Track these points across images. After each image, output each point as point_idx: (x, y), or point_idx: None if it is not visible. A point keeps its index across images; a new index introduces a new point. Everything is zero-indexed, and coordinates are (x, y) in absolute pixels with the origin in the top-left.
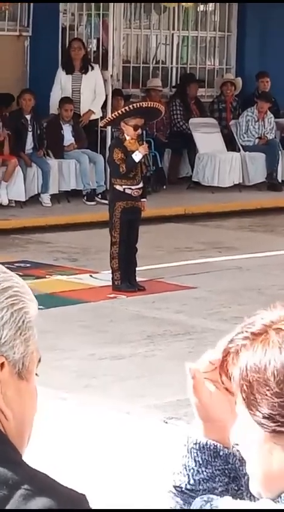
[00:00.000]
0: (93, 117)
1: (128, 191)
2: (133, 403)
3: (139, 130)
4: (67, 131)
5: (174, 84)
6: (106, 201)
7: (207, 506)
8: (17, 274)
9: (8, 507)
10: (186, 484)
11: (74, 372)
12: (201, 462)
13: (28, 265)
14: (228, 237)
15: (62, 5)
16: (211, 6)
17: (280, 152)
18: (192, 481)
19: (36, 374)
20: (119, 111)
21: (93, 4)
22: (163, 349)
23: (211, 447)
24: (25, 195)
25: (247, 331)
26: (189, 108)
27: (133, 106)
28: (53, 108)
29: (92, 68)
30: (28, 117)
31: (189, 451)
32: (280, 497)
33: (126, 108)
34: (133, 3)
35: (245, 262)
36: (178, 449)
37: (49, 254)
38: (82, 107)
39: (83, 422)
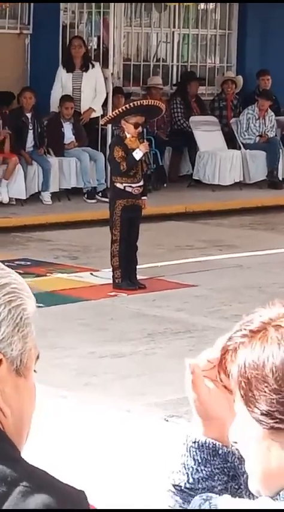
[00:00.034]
0: (93, 115)
1: (129, 189)
2: (133, 401)
3: (140, 128)
4: (67, 129)
5: (174, 82)
6: (107, 199)
7: (206, 505)
8: (17, 272)
9: (6, 504)
10: (185, 483)
11: (74, 370)
12: (199, 461)
13: (28, 263)
14: (229, 235)
15: (62, 3)
16: (211, 4)
17: (280, 150)
18: (191, 480)
19: (34, 371)
20: (120, 109)
21: (93, 2)
22: (164, 347)
23: (210, 446)
24: (26, 193)
25: (245, 329)
26: (189, 106)
27: (133, 104)
28: (54, 106)
29: (93, 66)
30: (29, 115)
31: (187, 449)
32: (279, 495)
33: (127, 106)
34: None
35: (246, 260)
36: (178, 447)
37: (49, 252)
38: (82, 105)
39: (83, 421)
